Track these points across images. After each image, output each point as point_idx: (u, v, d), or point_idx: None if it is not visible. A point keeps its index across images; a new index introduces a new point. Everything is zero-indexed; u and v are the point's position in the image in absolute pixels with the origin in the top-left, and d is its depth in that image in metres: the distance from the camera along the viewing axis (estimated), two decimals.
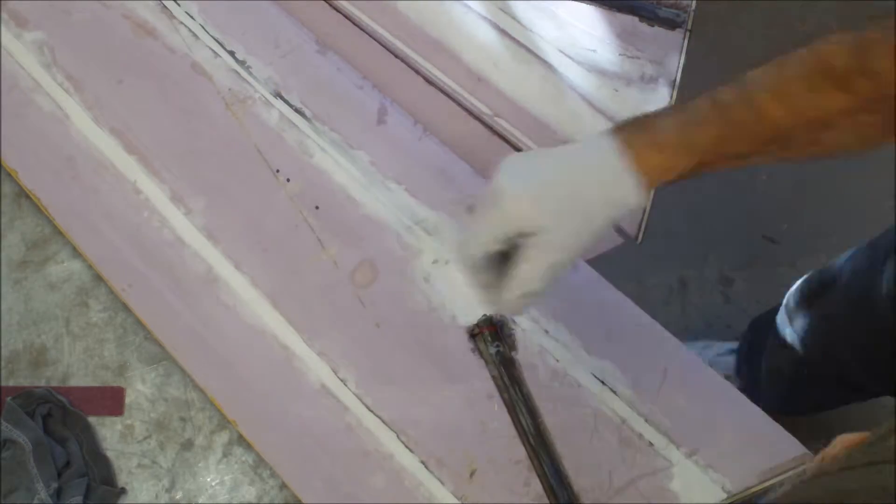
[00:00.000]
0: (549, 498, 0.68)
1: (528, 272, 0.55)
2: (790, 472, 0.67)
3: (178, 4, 0.89)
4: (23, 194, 0.82)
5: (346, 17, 0.90)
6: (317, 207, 0.79)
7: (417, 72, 0.87)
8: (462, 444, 0.70)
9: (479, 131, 0.85)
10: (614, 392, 0.71)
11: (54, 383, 0.74)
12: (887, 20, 0.49)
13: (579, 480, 0.69)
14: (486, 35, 0.89)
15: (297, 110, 0.84)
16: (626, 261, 0.83)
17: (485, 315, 0.74)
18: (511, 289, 0.56)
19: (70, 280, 0.79)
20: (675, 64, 0.87)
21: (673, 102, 0.86)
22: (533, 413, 0.70)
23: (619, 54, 0.88)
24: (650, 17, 0.90)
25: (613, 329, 0.73)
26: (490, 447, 0.70)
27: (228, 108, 0.84)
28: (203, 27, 0.88)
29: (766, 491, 0.67)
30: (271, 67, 0.86)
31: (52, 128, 0.83)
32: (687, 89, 0.86)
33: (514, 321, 0.74)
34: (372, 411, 0.71)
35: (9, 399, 0.71)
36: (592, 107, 0.85)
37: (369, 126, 0.83)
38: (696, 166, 0.55)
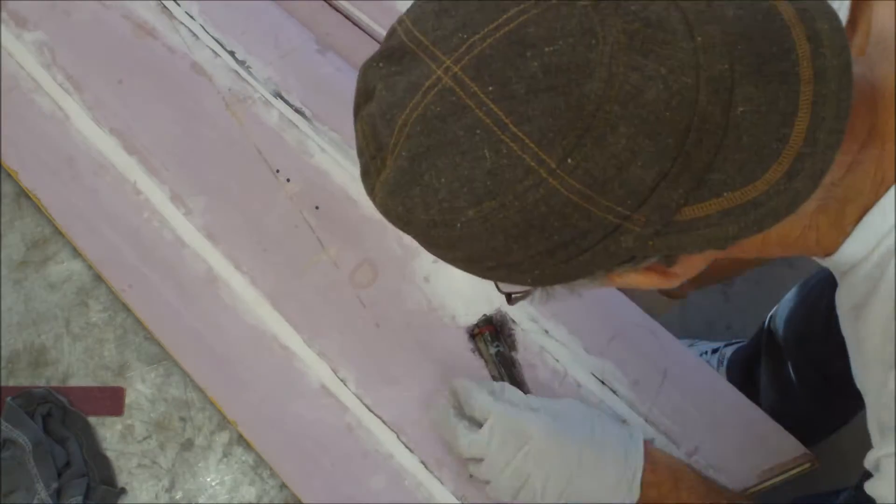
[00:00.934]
0: None
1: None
2: (790, 472, 0.67)
3: (178, 4, 0.89)
4: (23, 194, 0.82)
5: (346, 17, 0.90)
6: (317, 207, 0.79)
7: None
8: None
9: None
10: (614, 392, 0.71)
11: (54, 383, 0.74)
12: None
13: None
14: None
15: (297, 110, 0.84)
16: None
17: (485, 315, 0.74)
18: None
19: (70, 280, 0.78)
20: None
21: None
22: None
23: None
24: None
25: (613, 329, 0.73)
26: None
27: (228, 108, 0.84)
28: (203, 27, 0.88)
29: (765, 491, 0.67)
30: (271, 67, 0.86)
31: (52, 128, 0.83)
32: None
33: (514, 321, 0.74)
34: (372, 411, 0.71)
35: (9, 399, 0.71)
36: None
37: None
38: None
